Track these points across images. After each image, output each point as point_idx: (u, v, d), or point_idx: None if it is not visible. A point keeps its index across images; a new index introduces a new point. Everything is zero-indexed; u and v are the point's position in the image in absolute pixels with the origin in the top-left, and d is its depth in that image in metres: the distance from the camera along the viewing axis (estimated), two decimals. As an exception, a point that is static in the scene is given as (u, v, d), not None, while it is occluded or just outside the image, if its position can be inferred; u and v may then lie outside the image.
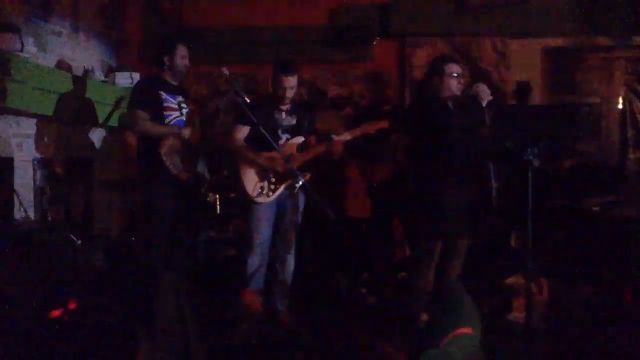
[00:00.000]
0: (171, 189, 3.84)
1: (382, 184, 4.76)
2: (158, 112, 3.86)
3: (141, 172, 3.99)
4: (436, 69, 3.73)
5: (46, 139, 4.56)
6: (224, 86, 5.89)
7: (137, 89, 4.02)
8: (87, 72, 5.10)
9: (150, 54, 5.79)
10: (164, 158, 3.74)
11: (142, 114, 3.83)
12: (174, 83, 3.99)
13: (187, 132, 3.87)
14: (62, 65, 4.74)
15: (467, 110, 3.71)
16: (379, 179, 4.76)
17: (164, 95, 3.89)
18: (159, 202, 3.86)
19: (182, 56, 3.92)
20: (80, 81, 4.79)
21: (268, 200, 3.78)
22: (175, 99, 3.95)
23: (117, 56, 5.85)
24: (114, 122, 5.22)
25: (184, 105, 3.98)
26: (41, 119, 4.45)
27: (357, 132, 3.97)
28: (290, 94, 3.78)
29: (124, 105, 5.27)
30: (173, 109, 3.91)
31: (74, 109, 4.63)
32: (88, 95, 4.83)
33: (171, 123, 3.89)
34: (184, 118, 3.94)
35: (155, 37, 5.84)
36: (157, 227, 3.89)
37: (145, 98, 3.86)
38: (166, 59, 3.92)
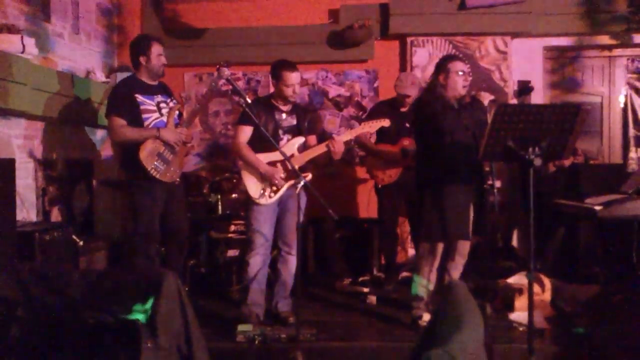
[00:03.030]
0: (155, 191, 3.77)
1: (390, 184, 4.76)
2: (135, 116, 3.78)
3: (125, 174, 3.93)
4: (441, 67, 3.74)
5: (48, 140, 4.56)
6: (224, 86, 5.91)
7: (112, 95, 3.91)
8: (89, 73, 5.10)
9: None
10: (144, 163, 3.68)
11: (119, 121, 3.76)
12: (151, 83, 3.92)
13: (166, 134, 3.78)
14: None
15: (471, 110, 3.71)
16: (386, 179, 4.76)
17: (140, 97, 3.81)
18: (142, 206, 3.80)
19: (157, 54, 3.85)
20: (81, 82, 4.79)
21: (270, 201, 3.78)
22: (153, 99, 3.87)
23: (118, 57, 5.85)
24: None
25: (163, 105, 3.91)
26: (42, 120, 4.46)
27: (358, 131, 3.98)
28: (296, 89, 3.79)
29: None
30: (151, 111, 3.85)
31: (74, 109, 4.63)
32: (89, 96, 4.83)
33: (150, 125, 3.82)
34: (164, 118, 3.86)
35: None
36: (142, 229, 3.82)
37: (121, 103, 3.78)
38: (142, 59, 3.86)
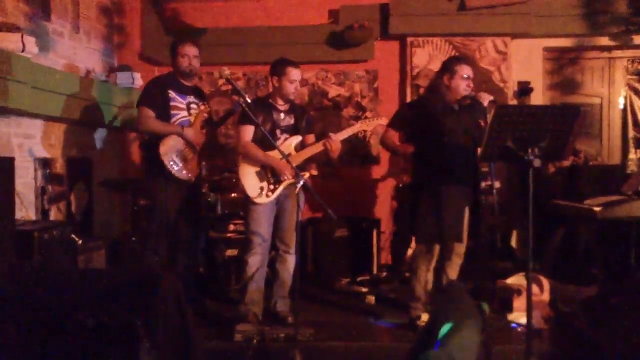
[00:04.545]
0: (171, 188, 3.85)
1: (407, 184, 4.78)
2: (164, 111, 3.90)
3: (144, 170, 4.04)
4: (448, 68, 3.74)
5: (48, 139, 4.56)
6: (224, 86, 5.91)
7: (147, 86, 4.09)
8: (89, 72, 5.11)
9: (150, 54, 5.81)
10: (163, 157, 3.77)
11: (148, 112, 3.88)
12: (187, 84, 4.02)
13: (189, 133, 3.87)
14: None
15: (470, 111, 3.72)
16: (406, 179, 4.78)
17: (173, 94, 3.93)
18: (158, 201, 3.90)
19: (182, 55, 3.95)
20: (85, 82, 4.80)
21: (267, 200, 3.78)
22: (184, 99, 3.98)
23: (118, 56, 5.85)
24: (116, 122, 5.23)
25: (193, 107, 4.01)
26: (42, 119, 4.46)
27: (355, 129, 3.97)
28: (297, 87, 3.82)
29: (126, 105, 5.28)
30: (180, 109, 3.95)
31: (74, 108, 4.63)
32: (89, 95, 4.83)
33: (177, 122, 3.92)
34: (191, 119, 3.97)
35: (155, 37, 5.86)
36: (156, 226, 3.91)
37: (153, 96, 3.92)
38: (172, 60, 3.99)
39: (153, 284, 2.29)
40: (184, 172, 3.86)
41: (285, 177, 3.74)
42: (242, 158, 3.86)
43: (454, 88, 3.71)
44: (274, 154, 3.71)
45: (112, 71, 5.53)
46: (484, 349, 2.08)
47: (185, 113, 3.96)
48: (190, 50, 3.96)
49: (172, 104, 3.92)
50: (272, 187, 3.78)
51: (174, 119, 3.92)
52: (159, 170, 3.80)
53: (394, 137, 4.82)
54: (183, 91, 3.99)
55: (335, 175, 5.75)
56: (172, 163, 3.80)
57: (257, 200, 3.77)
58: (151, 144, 3.88)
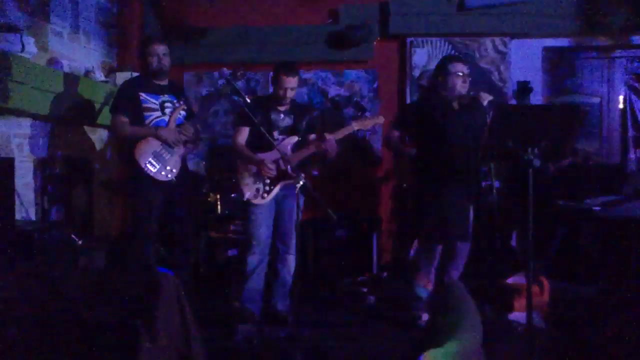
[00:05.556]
0: (151, 190, 3.79)
1: (410, 184, 4.78)
2: (137, 114, 3.84)
3: (126, 176, 4.00)
4: (442, 67, 3.75)
5: (47, 139, 4.56)
6: (223, 87, 5.90)
7: (117, 92, 4.01)
8: (88, 72, 5.10)
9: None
10: (139, 160, 3.72)
11: (121, 118, 3.83)
12: (159, 82, 3.94)
13: (163, 133, 3.80)
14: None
15: (470, 110, 3.72)
16: (410, 179, 4.79)
17: (143, 95, 3.85)
18: (138, 204, 3.84)
19: (151, 54, 3.88)
20: (84, 82, 4.79)
21: (263, 201, 3.79)
22: (157, 98, 3.90)
23: (118, 56, 5.84)
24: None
25: (168, 105, 3.92)
26: (42, 119, 4.45)
27: (350, 129, 3.97)
28: (290, 94, 3.80)
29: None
30: (153, 109, 3.87)
31: (73, 108, 4.63)
32: (88, 95, 4.82)
33: (151, 123, 3.85)
34: (166, 118, 3.89)
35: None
36: (138, 228, 3.87)
37: (124, 101, 3.85)
38: (141, 61, 3.95)
39: (153, 284, 2.29)
40: (163, 173, 3.80)
41: (266, 173, 3.72)
42: (239, 159, 3.86)
43: (449, 86, 3.72)
44: (271, 154, 3.72)
45: (112, 71, 5.52)
46: (484, 349, 2.08)
47: (158, 113, 3.88)
48: (158, 49, 3.89)
49: (143, 105, 3.85)
50: (267, 188, 3.79)
51: (147, 120, 3.85)
52: (137, 173, 3.75)
53: (397, 137, 4.84)
54: (155, 90, 3.91)
55: (335, 175, 5.75)
56: (148, 164, 3.74)
57: (254, 201, 3.78)
58: (128, 148, 3.82)
